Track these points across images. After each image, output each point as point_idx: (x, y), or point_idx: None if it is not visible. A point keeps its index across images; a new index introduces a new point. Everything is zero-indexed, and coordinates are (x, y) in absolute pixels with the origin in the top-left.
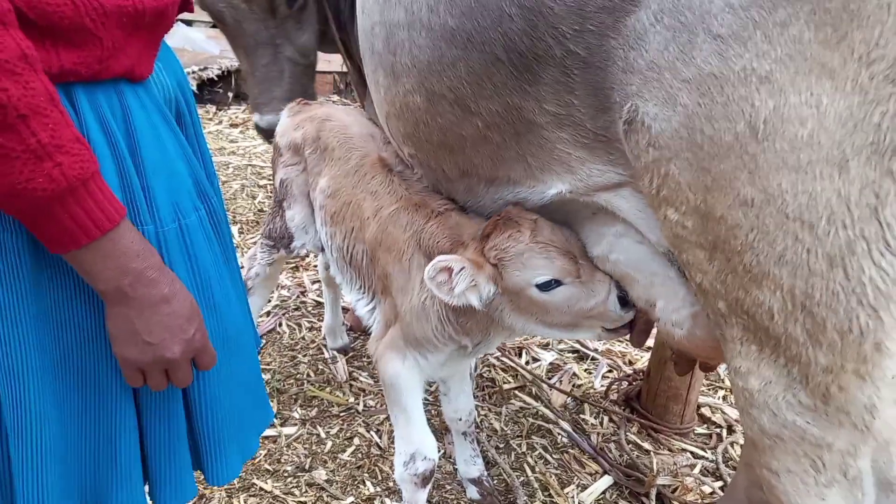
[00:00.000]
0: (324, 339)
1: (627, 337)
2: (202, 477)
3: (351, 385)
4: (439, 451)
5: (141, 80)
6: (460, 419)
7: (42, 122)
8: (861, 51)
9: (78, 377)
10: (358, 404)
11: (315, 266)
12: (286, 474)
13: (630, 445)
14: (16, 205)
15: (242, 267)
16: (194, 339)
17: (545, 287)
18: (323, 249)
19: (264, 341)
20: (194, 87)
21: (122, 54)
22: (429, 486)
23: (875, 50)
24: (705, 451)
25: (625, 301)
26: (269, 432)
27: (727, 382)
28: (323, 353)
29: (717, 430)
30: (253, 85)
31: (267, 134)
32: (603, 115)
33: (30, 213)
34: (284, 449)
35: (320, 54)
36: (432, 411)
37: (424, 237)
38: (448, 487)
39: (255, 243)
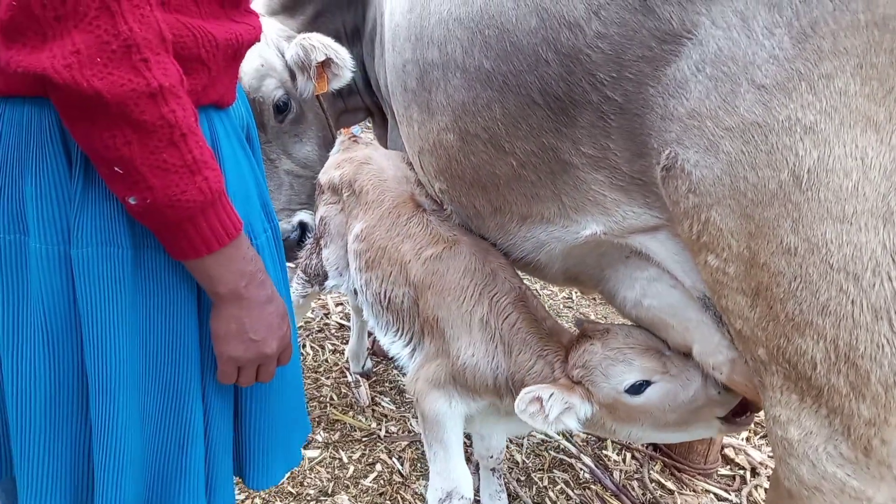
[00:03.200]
0: (347, 362)
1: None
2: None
3: (373, 410)
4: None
5: (227, 107)
6: (491, 456)
7: (195, 140)
8: None
9: (160, 383)
10: (380, 430)
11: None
12: (309, 498)
13: (653, 484)
14: (167, 215)
15: None
16: (286, 336)
17: (635, 390)
18: (356, 293)
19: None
20: None
21: (218, 83)
22: None
23: None
24: (729, 493)
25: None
26: None
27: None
28: (346, 377)
29: (741, 471)
30: None
31: None
32: (640, 160)
33: (175, 223)
34: (307, 472)
35: None
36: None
37: (495, 304)
38: None
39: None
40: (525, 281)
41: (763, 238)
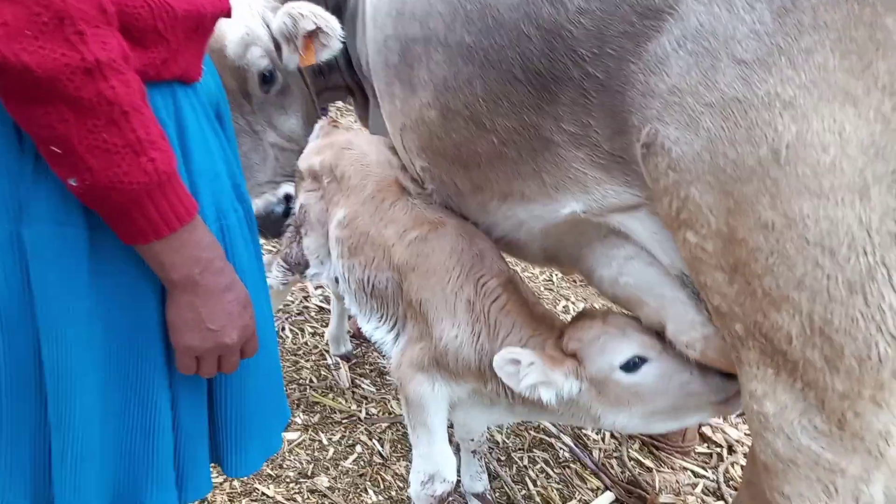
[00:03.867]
0: (327, 344)
1: None
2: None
3: (353, 392)
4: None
5: (192, 82)
6: (472, 439)
7: (139, 118)
8: (885, 80)
9: (123, 373)
10: (360, 412)
11: None
12: (288, 480)
13: (632, 462)
14: (110, 198)
15: None
16: (248, 326)
17: (630, 367)
18: (337, 281)
19: None
20: None
21: (180, 57)
22: None
23: None
24: (706, 471)
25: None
26: None
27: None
28: (326, 359)
29: (718, 449)
30: None
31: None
32: (620, 137)
33: (118, 207)
34: (287, 454)
35: None
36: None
37: (482, 285)
38: (450, 500)
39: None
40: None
41: (741, 214)
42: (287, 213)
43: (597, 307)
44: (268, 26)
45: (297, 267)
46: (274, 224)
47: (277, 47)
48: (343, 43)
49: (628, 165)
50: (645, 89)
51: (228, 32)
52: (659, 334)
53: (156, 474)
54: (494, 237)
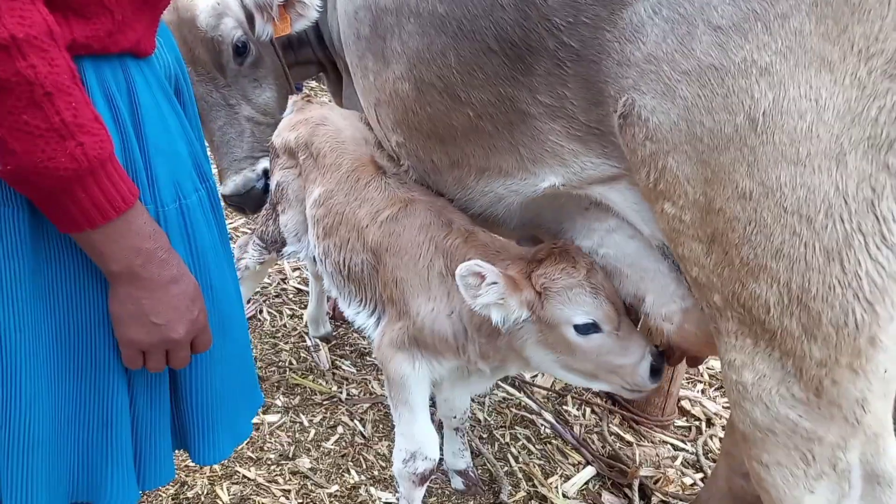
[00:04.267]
0: (306, 326)
1: None
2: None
3: (334, 374)
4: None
5: (146, 55)
6: (455, 417)
7: (66, 100)
8: (861, 45)
9: (74, 361)
10: (341, 393)
11: None
12: (269, 462)
13: (612, 437)
14: (35, 183)
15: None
16: (198, 320)
17: (583, 330)
18: (315, 261)
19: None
20: None
21: (129, 29)
22: (426, 484)
23: (874, 45)
24: (685, 444)
25: (656, 371)
26: (252, 420)
27: (706, 376)
28: (305, 341)
29: (697, 422)
30: (213, 152)
31: (236, 201)
32: (597, 109)
33: (46, 193)
34: (267, 437)
35: None
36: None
37: (449, 248)
38: (433, 477)
39: (244, 233)
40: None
41: (719, 183)
42: (266, 188)
43: (582, 248)
44: None
45: (274, 245)
46: (255, 200)
47: (249, 18)
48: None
49: (606, 137)
50: (621, 58)
51: (199, 2)
52: (627, 309)
53: (114, 463)
54: (472, 213)
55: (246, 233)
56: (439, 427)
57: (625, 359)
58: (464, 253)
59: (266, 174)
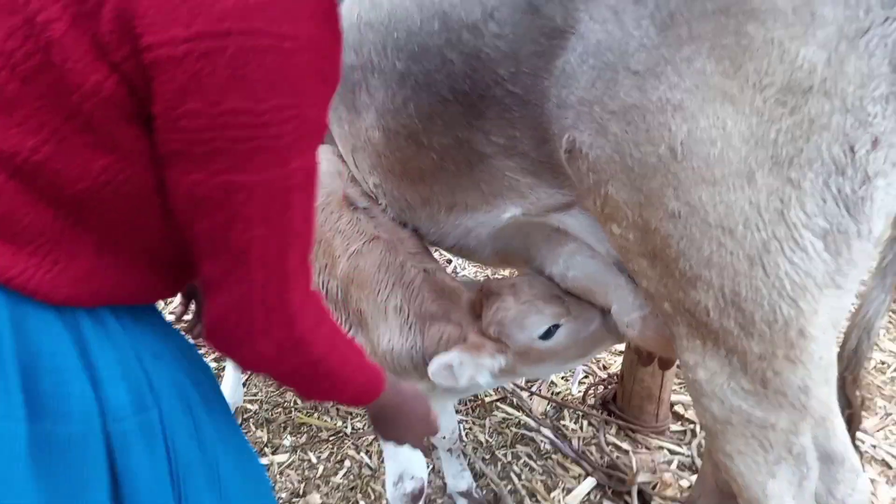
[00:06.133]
0: None
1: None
2: None
3: (337, 409)
4: (428, 467)
5: None
6: (444, 437)
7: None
8: (754, 79)
9: None
10: (346, 427)
11: None
12: (281, 500)
13: (610, 447)
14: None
15: None
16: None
17: (546, 335)
18: None
19: (249, 371)
20: None
21: None
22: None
23: (765, 78)
24: (681, 447)
25: None
26: (261, 461)
27: None
28: None
29: (691, 426)
30: None
31: None
32: (545, 146)
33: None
34: (278, 476)
35: None
36: None
37: (407, 284)
38: (439, 502)
39: None
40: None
41: (651, 206)
42: None
43: (494, 278)
44: None
45: None
46: None
47: None
48: None
49: (556, 169)
50: (559, 101)
51: None
52: (560, 298)
53: None
54: (447, 246)
55: None
56: (432, 449)
57: (591, 326)
58: (419, 299)
59: None
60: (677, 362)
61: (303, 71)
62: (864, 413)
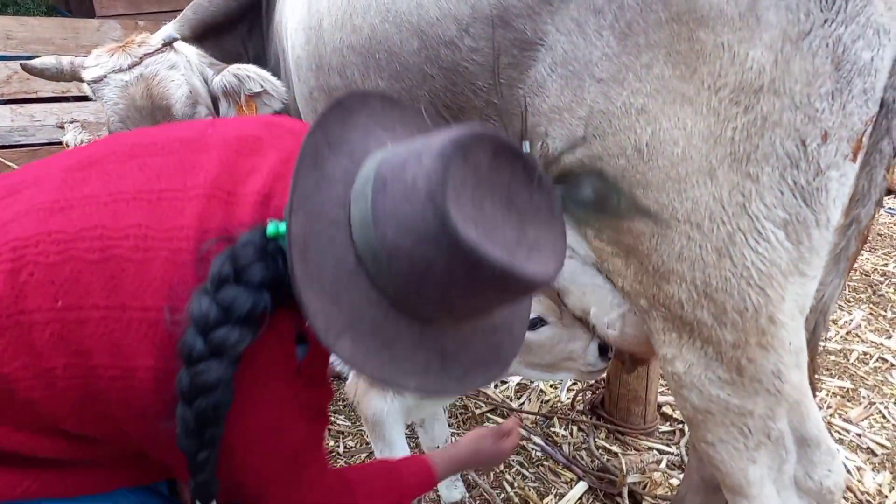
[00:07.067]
0: None
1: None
2: None
3: (329, 429)
4: None
5: None
6: (437, 447)
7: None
8: (709, 81)
9: None
10: (338, 447)
11: None
12: None
13: (599, 450)
14: None
15: None
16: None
17: (531, 325)
18: None
19: None
20: None
21: None
22: None
23: (719, 80)
24: (670, 447)
25: (604, 350)
26: None
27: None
28: None
29: (679, 426)
30: None
31: None
32: None
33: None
34: None
35: None
36: (410, 443)
37: None
38: None
39: None
40: None
41: None
42: None
43: None
44: (205, 81)
45: None
46: None
47: (214, 101)
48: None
49: None
50: (533, 109)
51: (173, 90)
52: (559, 305)
53: None
54: None
55: None
56: None
57: (574, 343)
58: None
59: None
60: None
61: None
62: (848, 403)
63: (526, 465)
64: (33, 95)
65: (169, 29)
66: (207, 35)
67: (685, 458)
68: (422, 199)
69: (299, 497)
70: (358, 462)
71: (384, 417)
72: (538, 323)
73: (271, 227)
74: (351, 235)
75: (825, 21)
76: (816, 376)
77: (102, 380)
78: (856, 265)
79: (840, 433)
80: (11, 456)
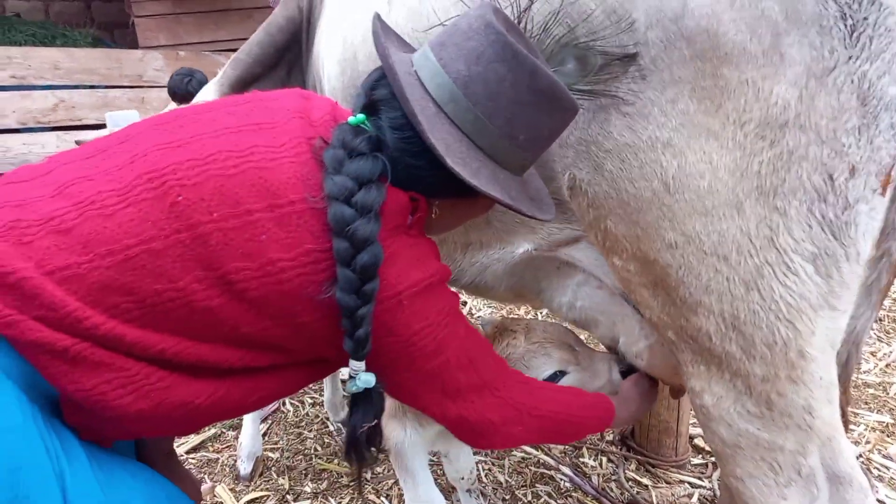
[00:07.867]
0: (327, 412)
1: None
2: None
3: None
4: None
5: None
6: (462, 478)
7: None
8: (734, 116)
9: None
10: (366, 472)
11: None
12: None
13: (630, 482)
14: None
15: None
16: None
17: (552, 379)
18: None
19: (270, 421)
20: None
21: None
22: None
23: (744, 114)
24: (702, 480)
25: (626, 372)
26: None
27: None
28: (328, 427)
29: (711, 458)
30: None
31: None
32: (551, 183)
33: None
34: None
35: None
36: (437, 471)
37: None
38: None
39: None
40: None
41: (648, 239)
42: None
43: (509, 318)
44: None
45: None
46: None
47: None
48: None
49: (563, 206)
50: (560, 141)
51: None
52: (571, 347)
53: None
54: (464, 283)
55: None
56: (452, 491)
57: (597, 381)
58: None
59: None
60: None
61: None
62: (888, 438)
63: (555, 495)
64: (77, 123)
65: (211, 87)
66: (248, 87)
67: (717, 492)
68: (482, 31)
69: (464, 350)
70: (385, 489)
71: (405, 448)
72: (558, 376)
73: (352, 119)
74: (426, 91)
75: (849, 58)
76: (852, 410)
77: (272, 273)
78: (894, 296)
79: (880, 470)
80: (195, 366)
